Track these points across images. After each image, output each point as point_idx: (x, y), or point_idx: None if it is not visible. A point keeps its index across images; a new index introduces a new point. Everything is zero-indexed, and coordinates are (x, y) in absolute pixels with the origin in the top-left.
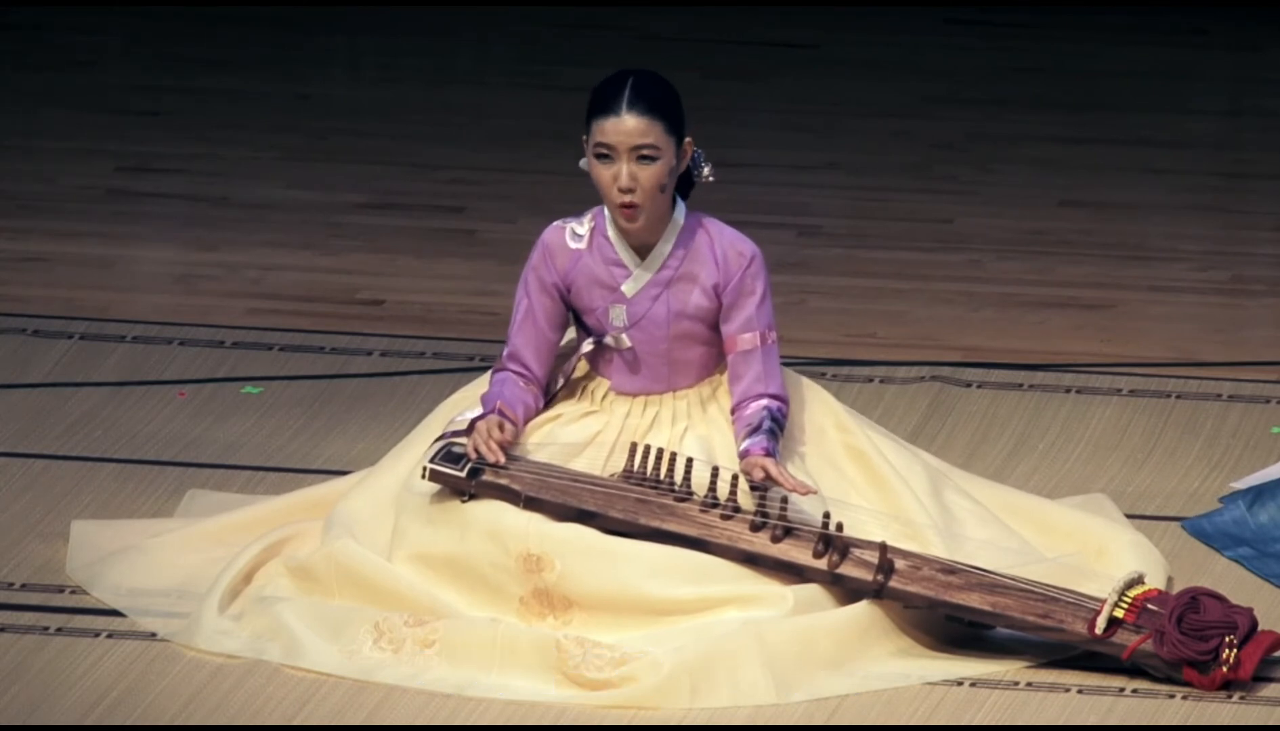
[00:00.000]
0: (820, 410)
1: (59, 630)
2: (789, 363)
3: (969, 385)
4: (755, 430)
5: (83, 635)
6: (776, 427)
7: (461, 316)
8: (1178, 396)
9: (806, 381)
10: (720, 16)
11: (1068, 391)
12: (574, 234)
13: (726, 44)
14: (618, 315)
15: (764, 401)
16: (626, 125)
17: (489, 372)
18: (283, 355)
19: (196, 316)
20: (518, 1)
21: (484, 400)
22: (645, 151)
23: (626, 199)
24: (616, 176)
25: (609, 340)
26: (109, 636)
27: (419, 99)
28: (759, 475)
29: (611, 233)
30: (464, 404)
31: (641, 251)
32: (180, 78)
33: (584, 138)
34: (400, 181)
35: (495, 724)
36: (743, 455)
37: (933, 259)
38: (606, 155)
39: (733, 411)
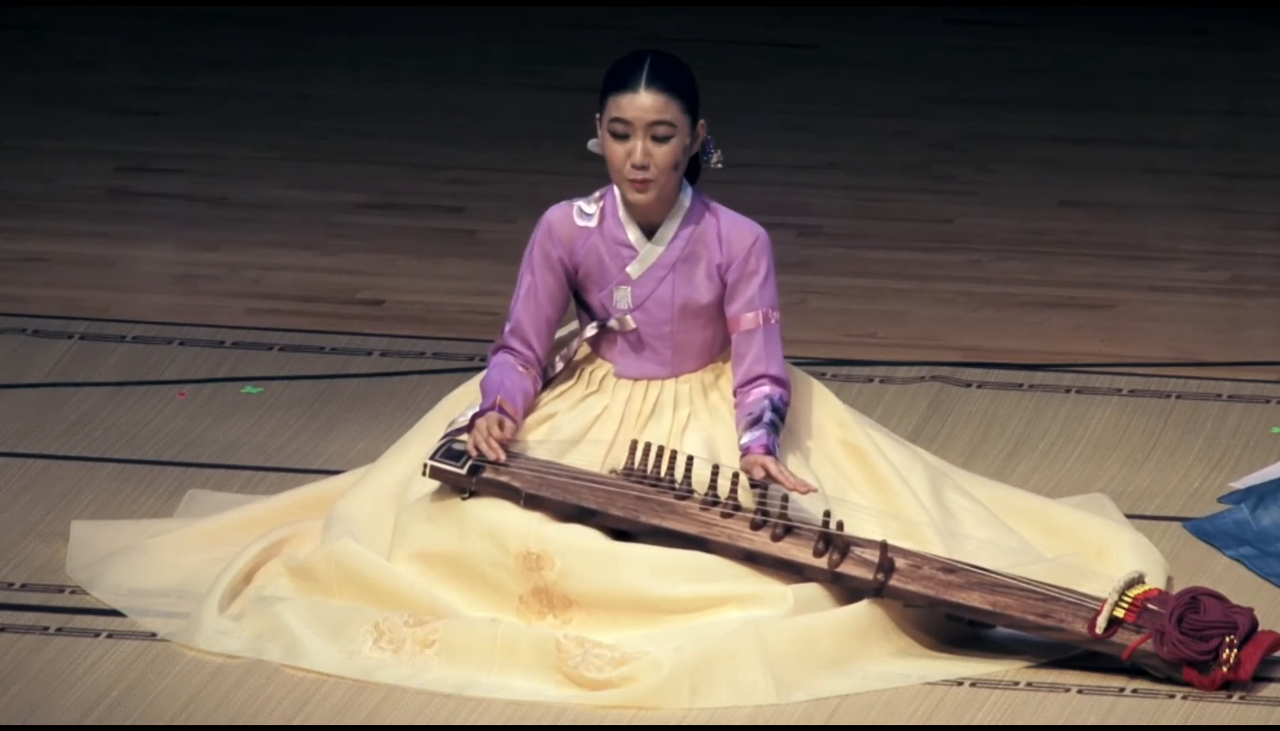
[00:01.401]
0: (820, 408)
1: (59, 630)
2: (789, 362)
3: (969, 385)
4: (756, 422)
5: (83, 635)
6: (777, 419)
7: (461, 316)
8: (1178, 396)
9: (807, 378)
10: (720, 16)
11: (1068, 391)
12: (582, 212)
13: (726, 44)
14: (622, 297)
15: (765, 388)
16: (643, 101)
17: (490, 353)
18: (283, 355)
19: (196, 316)
20: (518, 1)
21: (484, 386)
22: (661, 129)
23: (640, 176)
24: (631, 153)
25: (613, 323)
26: (109, 636)
27: (419, 99)
28: (759, 474)
29: (621, 212)
30: (464, 401)
31: (648, 231)
32: (180, 78)
33: (597, 116)
34: (400, 181)
35: (495, 724)
36: (743, 452)
37: (933, 259)
38: (622, 133)
39: (735, 393)
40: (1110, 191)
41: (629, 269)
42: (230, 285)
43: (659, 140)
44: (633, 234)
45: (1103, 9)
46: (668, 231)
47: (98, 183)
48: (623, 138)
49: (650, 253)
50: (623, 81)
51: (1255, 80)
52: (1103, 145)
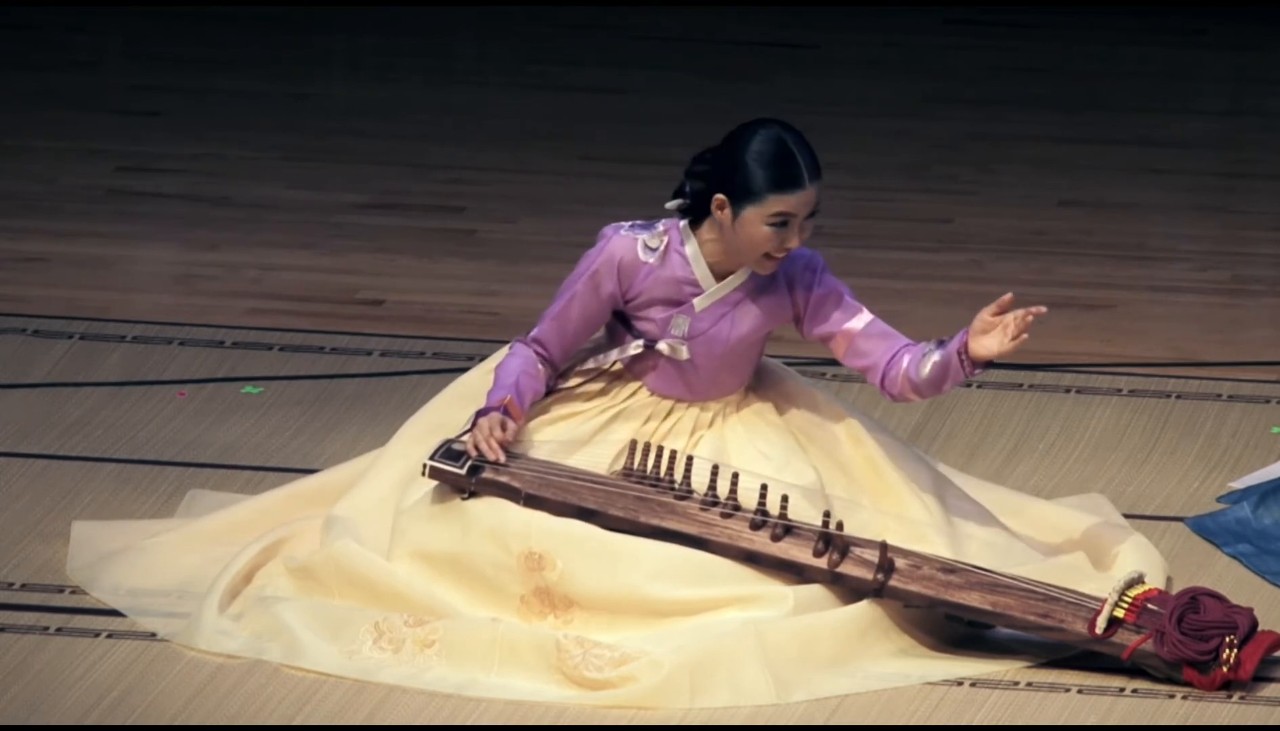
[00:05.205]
0: (835, 418)
1: (59, 630)
2: (790, 363)
3: (969, 385)
4: (931, 350)
5: (83, 635)
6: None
7: (461, 316)
8: (1178, 396)
9: (821, 390)
10: (720, 16)
11: (1068, 391)
12: (646, 247)
13: (726, 44)
14: (679, 325)
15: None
16: (809, 196)
17: (501, 351)
18: (283, 355)
19: (196, 316)
20: (518, 1)
21: (499, 373)
22: (815, 211)
23: (785, 256)
24: (786, 239)
25: (663, 347)
26: (109, 636)
27: (419, 99)
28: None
29: (690, 251)
30: (460, 398)
31: (720, 275)
32: (180, 78)
33: (725, 198)
34: (400, 181)
35: (495, 724)
36: (956, 351)
37: (933, 259)
38: (782, 222)
39: (882, 382)
40: (1110, 191)
41: (695, 301)
42: (230, 285)
43: (810, 217)
44: (700, 272)
45: (1103, 9)
46: (740, 276)
47: (98, 183)
48: (783, 227)
49: (718, 291)
50: (790, 180)
51: (1255, 80)
52: (1103, 145)
